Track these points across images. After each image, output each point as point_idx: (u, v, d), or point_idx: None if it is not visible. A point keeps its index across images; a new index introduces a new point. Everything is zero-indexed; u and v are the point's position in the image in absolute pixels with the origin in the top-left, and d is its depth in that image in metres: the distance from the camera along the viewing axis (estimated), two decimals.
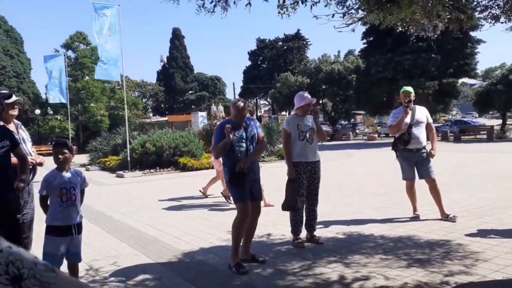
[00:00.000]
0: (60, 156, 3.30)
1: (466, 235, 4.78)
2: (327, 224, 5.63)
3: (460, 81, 31.29)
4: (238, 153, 4.16)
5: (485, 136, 26.57)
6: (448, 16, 4.53)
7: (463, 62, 27.18)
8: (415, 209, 5.79)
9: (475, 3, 5.09)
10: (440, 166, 12.04)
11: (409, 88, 5.82)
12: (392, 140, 5.98)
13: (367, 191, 8.30)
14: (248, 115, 4.41)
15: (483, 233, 4.80)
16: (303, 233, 4.88)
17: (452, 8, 4.57)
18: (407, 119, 5.62)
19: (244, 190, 4.12)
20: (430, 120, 5.86)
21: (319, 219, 5.12)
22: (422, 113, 5.77)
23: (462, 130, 28.91)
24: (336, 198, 7.58)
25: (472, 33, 26.10)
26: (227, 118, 4.64)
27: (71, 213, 3.30)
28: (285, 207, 4.78)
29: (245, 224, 4.15)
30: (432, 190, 5.70)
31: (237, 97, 48.17)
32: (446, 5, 4.35)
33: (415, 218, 5.66)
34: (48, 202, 3.34)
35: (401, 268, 3.82)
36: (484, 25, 5.01)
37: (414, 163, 5.70)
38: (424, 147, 5.72)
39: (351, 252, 4.39)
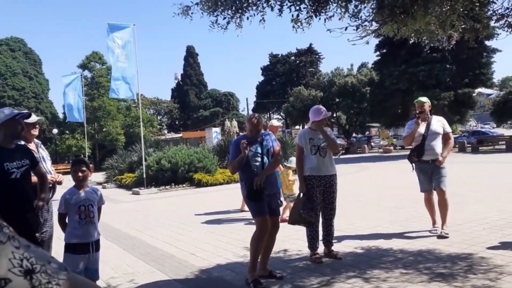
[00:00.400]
0: (80, 174, 3.35)
1: (488, 248, 4.65)
2: (345, 238, 5.54)
3: (476, 91, 30.89)
4: (254, 168, 4.14)
5: (504, 147, 26.04)
6: (463, 26, 4.49)
7: (479, 72, 26.86)
8: (434, 222, 5.65)
9: (491, 12, 5.04)
10: (459, 177, 11.83)
11: (423, 98, 5.74)
12: (408, 152, 5.89)
13: (384, 205, 8.17)
14: (262, 130, 4.42)
15: (505, 246, 4.66)
16: (321, 248, 4.81)
17: (467, 18, 4.54)
18: (421, 130, 5.52)
19: (262, 204, 4.09)
20: (448, 130, 5.71)
21: (336, 233, 5.05)
22: (438, 123, 5.65)
23: (480, 140, 28.43)
24: (353, 212, 7.48)
25: (488, 42, 25.87)
26: (241, 134, 4.64)
27: (90, 230, 3.33)
28: (290, 221, 4.74)
29: (264, 239, 4.11)
30: (440, 202, 5.54)
31: (250, 112, 48.43)
32: (461, 15, 4.32)
33: (435, 231, 5.52)
34: (66, 220, 3.37)
35: (423, 282, 3.73)
36: (500, 34, 4.97)
37: (430, 174, 5.58)
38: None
39: (370, 267, 4.30)
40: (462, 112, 28.90)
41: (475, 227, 5.71)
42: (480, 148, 26.50)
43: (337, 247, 4.94)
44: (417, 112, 5.57)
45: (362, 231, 5.95)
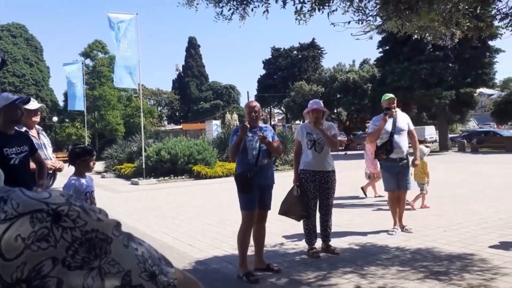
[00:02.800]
0: (92, 164, 3.40)
1: (486, 247, 4.66)
2: (343, 234, 5.55)
3: (478, 91, 30.82)
4: (251, 156, 4.07)
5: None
6: (467, 24, 4.46)
7: (481, 72, 26.74)
8: (395, 223, 5.61)
9: (495, 11, 5.01)
10: (458, 177, 11.84)
11: (392, 95, 5.71)
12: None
13: (383, 201, 8.17)
14: (262, 124, 4.38)
15: (504, 246, 4.67)
16: (319, 243, 4.82)
17: (471, 16, 4.51)
18: (388, 127, 5.47)
19: (252, 197, 4.05)
20: (412, 127, 5.72)
21: (334, 229, 5.05)
22: (403, 120, 5.63)
23: (480, 140, 28.40)
24: (352, 209, 7.49)
25: (491, 42, 25.72)
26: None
27: None
28: (280, 211, 4.74)
29: (249, 233, 4.11)
30: (402, 200, 5.63)
31: None
32: (465, 13, 4.29)
33: (393, 232, 5.49)
34: None
35: (418, 280, 3.73)
36: (504, 33, 4.92)
37: (396, 173, 5.53)
38: (406, 156, 5.60)
39: (367, 263, 4.31)
40: (463, 111, 28.85)
41: (473, 226, 5.72)
42: (479, 148, 26.48)
43: (335, 242, 4.94)
44: (385, 108, 5.49)
45: (360, 228, 5.96)
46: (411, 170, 6.02)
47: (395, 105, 5.56)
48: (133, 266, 0.48)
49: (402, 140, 5.51)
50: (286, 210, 4.69)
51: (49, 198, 0.46)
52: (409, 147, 5.74)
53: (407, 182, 5.54)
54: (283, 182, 9.86)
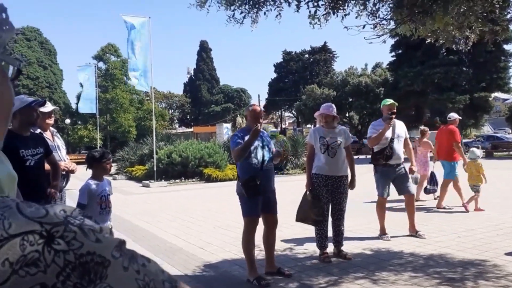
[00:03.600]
0: (109, 166, 3.54)
1: (501, 254, 4.58)
2: (355, 239, 5.50)
3: (492, 95, 30.41)
4: (255, 160, 4.02)
5: None
6: (481, 28, 4.41)
7: (496, 76, 26.42)
8: (383, 229, 5.59)
9: (511, 14, 4.94)
10: None
11: (393, 101, 5.69)
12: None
13: (395, 207, 8.09)
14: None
15: None
16: (331, 248, 4.78)
17: (486, 20, 4.45)
18: (388, 133, 5.45)
19: (256, 203, 4.01)
20: (407, 135, 5.79)
21: (347, 234, 5.01)
22: (401, 128, 5.66)
23: (494, 146, 28.00)
24: (364, 213, 7.42)
25: (506, 46, 25.44)
26: (242, 128, 4.52)
27: (107, 220, 3.49)
28: (297, 218, 4.73)
29: (253, 239, 4.08)
30: (408, 205, 5.63)
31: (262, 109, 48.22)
32: (480, 17, 4.24)
33: (387, 238, 5.46)
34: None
35: (431, 286, 3.69)
36: None
37: (392, 179, 5.54)
38: (402, 163, 5.61)
39: (379, 268, 4.26)
40: (477, 116, 28.49)
41: (488, 233, 5.63)
42: (494, 153, 26.11)
43: (346, 247, 4.90)
44: (389, 113, 5.47)
45: (373, 233, 5.90)
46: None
47: (395, 111, 5.54)
48: None
49: (400, 147, 5.55)
50: (302, 217, 4.67)
51: (45, 217, 0.43)
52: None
53: (408, 186, 5.55)
54: (293, 186, 9.86)
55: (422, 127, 9.40)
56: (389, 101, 5.67)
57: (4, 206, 0.44)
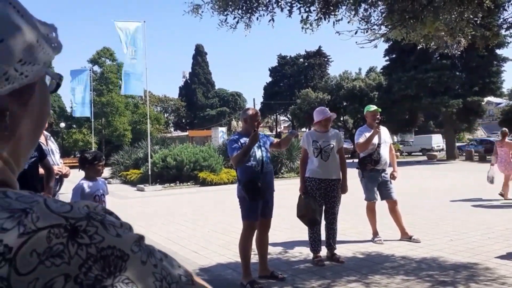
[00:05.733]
0: (101, 169, 3.54)
1: (493, 257, 4.62)
2: (348, 242, 5.53)
3: (485, 99, 30.66)
4: (254, 161, 4.01)
5: None
6: (472, 33, 4.47)
7: (489, 80, 26.63)
8: (376, 233, 5.64)
9: (501, 20, 5.01)
10: (465, 186, 11.75)
11: (376, 107, 5.74)
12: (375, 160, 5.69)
13: (387, 210, 8.13)
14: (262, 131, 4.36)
15: (511, 256, 4.62)
16: (324, 251, 4.80)
17: (477, 25, 4.51)
18: (375, 139, 5.52)
19: (255, 207, 4.01)
20: (391, 141, 5.89)
21: (340, 237, 5.03)
22: (386, 133, 5.75)
23: (487, 149, 28.19)
24: (357, 217, 7.44)
25: (498, 51, 25.65)
26: (237, 132, 4.51)
27: None
28: (298, 215, 4.76)
29: (250, 242, 4.09)
30: (392, 211, 5.69)
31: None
32: (471, 22, 4.30)
33: (379, 241, 5.51)
34: None
35: None
36: (510, 42, 4.92)
37: (378, 184, 5.61)
38: (387, 168, 5.70)
39: (372, 272, 4.29)
40: (471, 120, 28.68)
41: (480, 236, 5.68)
42: (487, 157, 26.28)
43: (340, 250, 4.92)
44: (376, 120, 5.53)
45: (366, 236, 5.93)
46: None
47: (379, 117, 5.59)
48: (149, 285, 0.47)
49: (386, 152, 5.62)
50: (302, 214, 4.71)
51: (70, 212, 0.46)
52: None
53: (391, 191, 5.62)
54: (287, 190, 9.88)
55: (503, 129, 9.63)
56: (373, 107, 5.74)
57: (32, 201, 0.46)
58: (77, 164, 3.58)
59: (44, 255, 0.42)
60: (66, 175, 4.12)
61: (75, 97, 23.16)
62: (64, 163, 4.64)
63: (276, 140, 4.39)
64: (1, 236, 0.42)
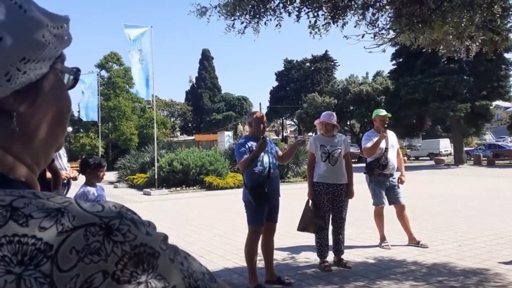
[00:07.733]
0: (101, 175, 3.53)
1: (502, 263, 4.56)
2: (356, 247, 5.49)
3: (494, 104, 30.42)
4: (260, 166, 4.01)
5: None
6: (482, 37, 4.44)
7: (497, 85, 26.45)
8: (383, 238, 5.59)
9: (510, 24, 4.98)
10: (473, 191, 11.65)
11: (386, 112, 5.72)
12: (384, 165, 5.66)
13: (394, 215, 8.08)
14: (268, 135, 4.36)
15: None
16: (331, 256, 4.77)
17: (486, 29, 4.48)
18: (383, 143, 5.48)
19: (261, 212, 4.00)
20: (398, 145, 5.84)
21: (347, 242, 5.00)
22: (393, 138, 5.71)
23: (496, 154, 27.97)
24: (365, 222, 7.40)
25: (507, 55, 25.47)
26: (245, 135, 4.52)
27: None
28: (298, 227, 4.71)
29: (256, 247, 4.07)
30: (400, 216, 5.64)
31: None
32: (480, 26, 4.27)
33: (387, 246, 5.46)
34: None
35: None
36: None
37: (385, 188, 5.56)
38: (395, 173, 5.65)
39: (380, 277, 4.25)
40: (479, 124, 28.47)
41: (489, 241, 5.61)
42: (496, 161, 26.06)
43: (347, 256, 4.89)
44: (384, 124, 5.51)
45: (374, 241, 5.88)
46: None
47: (387, 121, 5.57)
48: (179, 281, 0.48)
49: (393, 157, 5.58)
50: (303, 226, 4.67)
51: (102, 212, 0.47)
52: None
53: (399, 196, 5.58)
54: (294, 194, 9.86)
55: None
56: (383, 111, 5.70)
57: (65, 201, 0.47)
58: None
59: (83, 252, 0.43)
60: (74, 178, 4.15)
61: (83, 102, 23.36)
62: (72, 167, 4.67)
63: (280, 151, 4.36)
64: (41, 234, 0.43)
